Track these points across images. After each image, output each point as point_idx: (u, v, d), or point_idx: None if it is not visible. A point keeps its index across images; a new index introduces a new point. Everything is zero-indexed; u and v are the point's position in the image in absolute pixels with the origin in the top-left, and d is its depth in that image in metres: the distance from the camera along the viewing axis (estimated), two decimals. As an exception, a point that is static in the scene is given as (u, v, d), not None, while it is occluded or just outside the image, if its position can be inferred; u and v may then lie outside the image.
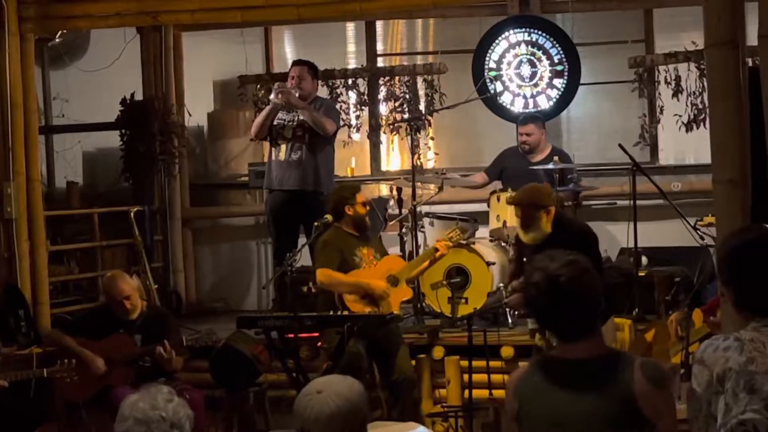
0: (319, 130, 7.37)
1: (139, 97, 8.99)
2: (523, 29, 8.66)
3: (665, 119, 8.64)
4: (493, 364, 6.08)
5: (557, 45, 8.62)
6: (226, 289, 9.36)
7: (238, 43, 9.25)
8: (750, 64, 4.73)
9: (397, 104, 9.00)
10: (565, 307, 2.85)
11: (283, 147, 7.49)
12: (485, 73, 8.66)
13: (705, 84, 8.00)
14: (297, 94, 7.41)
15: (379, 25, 9.35)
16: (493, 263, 6.98)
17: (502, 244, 7.37)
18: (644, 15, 8.97)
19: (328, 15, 8.14)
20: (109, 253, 8.55)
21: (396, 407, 6.19)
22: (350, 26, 9.44)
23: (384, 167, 9.36)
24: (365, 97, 9.06)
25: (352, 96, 9.07)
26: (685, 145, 8.83)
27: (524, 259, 5.81)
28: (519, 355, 6.49)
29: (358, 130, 9.12)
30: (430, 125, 8.94)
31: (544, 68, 8.65)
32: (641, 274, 7.08)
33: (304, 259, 6.72)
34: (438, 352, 6.65)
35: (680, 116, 8.49)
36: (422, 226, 7.33)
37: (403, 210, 7.53)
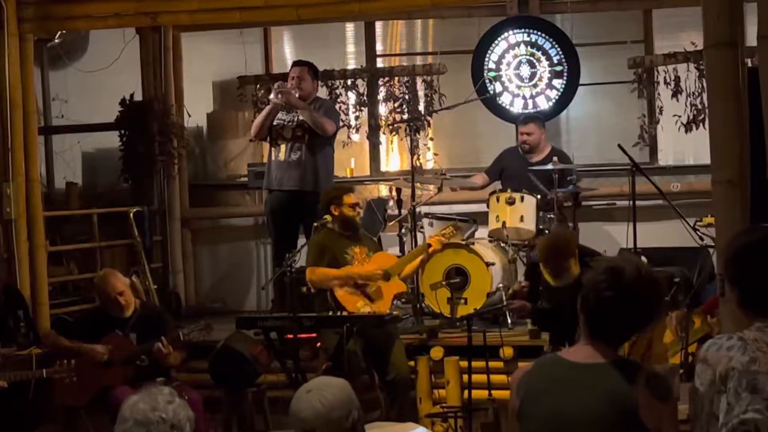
0: (318, 130, 7.37)
1: (138, 97, 8.99)
2: (523, 30, 8.67)
3: (664, 120, 8.64)
4: (492, 364, 6.08)
5: (556, 45, 8.62)
6: (225, 289, 9.35)
7: (238, 44, 9.25)
8: (749, 64, 4.72)
9: (396, 105, 9.00)
10: (625, 304, 2.85)
11: (283, 147, 7.50)
12: (484, 74, 8.66)
13: (704, 84, 8.00)
14: (297, 95, 7.41)
15: (378, 25, 9.35)
16: (493, 264, 6.98)
17: (502, 244, 7.38)
18: (643, 15, 8.97)
19: (328, 15, 8.14)
20: (109, 254, 8.54)
21: (393, 407, 6.19)
22: (349, 27, 9.44)
23: (383, 168, 9.36)
24: (364, 97, 9.06)
25: (352, 96, 9.07)
26: (685, 145, 8.83)
27: (539, 289, 5.82)
28: (518, 355, 6.49)
29: (357, 130, 9.12)
30: (429, 126, 8.94)
31: (543, 69, 8.65)
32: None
33: (303, 259, 6.71)
34: (437, 352, 6.65)
35: (679, 117, 8.49)
36: (421, 227, 7.33)
37: (402, 210, 7.53)
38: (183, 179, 9.24)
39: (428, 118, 8.81)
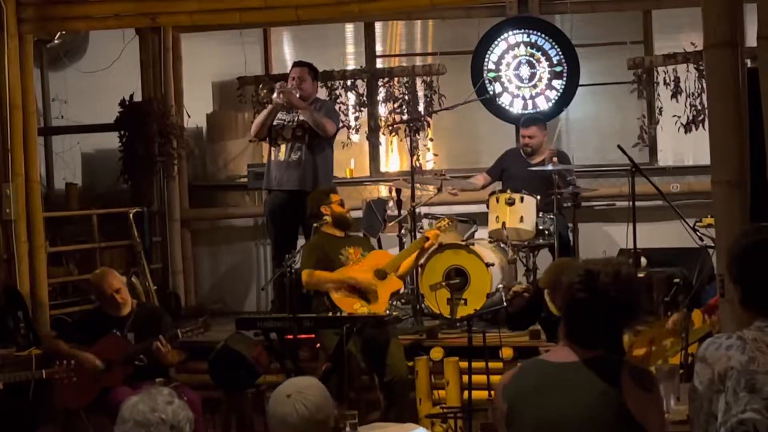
0: (319, 130, 7.38)
1: (138, 98, 8.99)
2: (522, 30, 8.67)
3: (664, 120, 8.64)
4: (492, 365, 6.07)
5: (556, 46, 8.62)
6: (225, 290, 9.35)
7: (237, 45, 9.25)
8: (749, 64, 4.72)
9: (396, 105, 9.00)
10: (599, 306, 2.86)
11: (283, 147, 7.50)
12: (484, 75, 8.66)
13: (704, 85, 8.00)
14: (297, 95, 7.42)
15: (378, 26, 9.35)
16: (492, 264, 6.98)
17: (501, 245, 7.38)
18: (643, 16, 8.97)
19: (327, 16, 8.14)
20: (108, 255, 8.54)
21: (392, 409, 6.19)
22: (349, 27, 9.44)
23: (383, 168, 9.36)
24: (364, 98, 9.06)
25: (351, 97, 9.07)
26: (684, 146, 8.83)
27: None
28: (518, 356, 6.49)
29: (357, 131, 9.12)
30: (429, 126, 8.94)
31: (543, 69, 8.65)
32: (640, 275, 7.08)
33: (302, 260, 6.73)
34: (437, 353, 6.64)
35: (679, 117, 8.49)
36: (421, 227, 7.33)
37: (402, 211, 7.53)
38: (183, 180, 9.24)
39: (428, 118, 8.81)
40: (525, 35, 8.67)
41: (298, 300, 6.21)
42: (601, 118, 9.16)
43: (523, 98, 8.70)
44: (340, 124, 8.15)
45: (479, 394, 6.00)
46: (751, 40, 4.52)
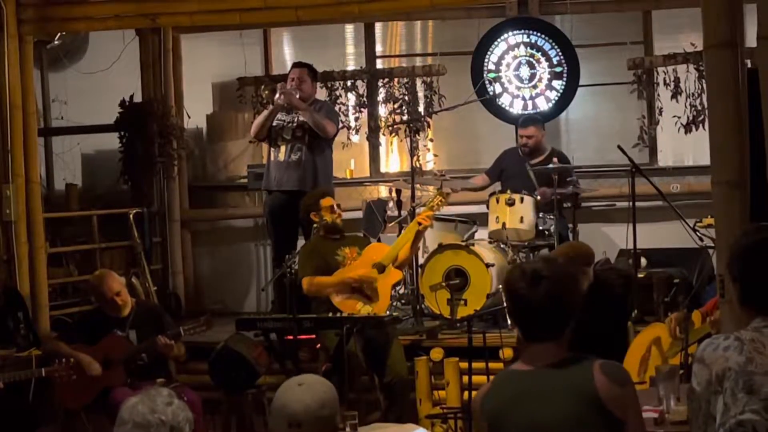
0: (319, 131, 7.38)
1: (138, 99, 8.99)
2: (522, 31, 8.67)
3: (664, 121, 8.64)
4: (492, 365, 6.07)
5: (556, 47, 8.62)
6: (225, 290, 9.35)
7: (237, 45, 9.25)
8: (749, 65, 4.72)
9: (396, 106, 9.00)
10: (543, 304, 2.88)
11: (283, 148, 7.50)
12: (484, 75, 8.66)
13: (704, 85, 8.00)
14: (298, 96, 7.42)
15: (378, 26, 9.35)
16: (492, 265, 6.98)
17: (501, 245, 7.38)
18: (643, 16, 8.97)
19: (327, 17, 8.14)
20: (108, 255, 8.54)
21: (392, 409, 6.19)
22: (349, 28, 9.44)
23: (383, 169, 9.36)
24: (364, 98, 9.06)
25: (351, 98, 9.07)
26: (684, 146, 8.83)
27: None
28: (518, 356, 6.47)
29: (357, 131, 9.12)
30: (429, 127, 8.94)
31: (543, 70, 8.65)
32: (640, 275, 7.08)
33: (302, 261, 6.73)
34: (437, 353, 6.64)
35: (679, 118, 8.49)
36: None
37: (402, 212, 7.53)
38: (183, 180, 9.24)
39: (428, 119, 8.81)
40: (525, 36, 8.67)
41: (298, 301, 6.21)
42: (601, 119, 9.16)
43: (523, 99, 8.70)
44: (340, 125, 8.15)
45: (475, 394, 5.99)
46: (751, 40, 4.52)
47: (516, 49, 8.68)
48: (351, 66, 9.27)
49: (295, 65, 7.76)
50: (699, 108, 8.37)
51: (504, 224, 7.28)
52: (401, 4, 7.57)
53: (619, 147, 7.07)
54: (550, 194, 7.35)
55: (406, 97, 8.97)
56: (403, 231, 6.79)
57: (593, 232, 8.35)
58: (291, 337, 6.17)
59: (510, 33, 8.68)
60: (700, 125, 8.34)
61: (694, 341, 4.95)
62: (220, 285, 9.38)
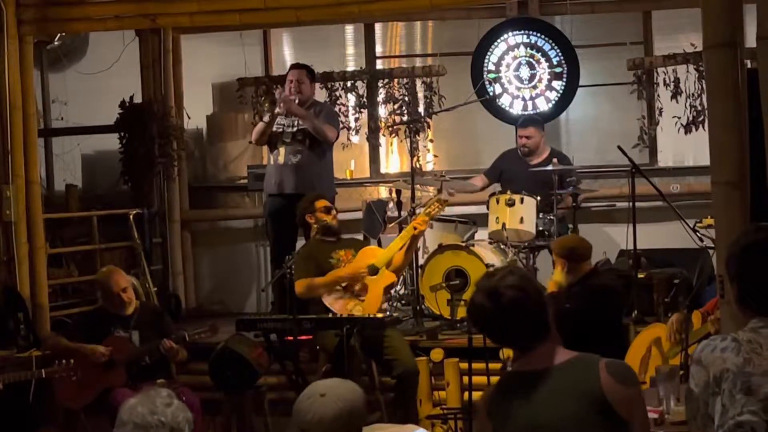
0: (320, 137, 7.39)
1: (138, 99, 8.99)
2: (522, 31, 8.67)
3: (664, 121, 8.64)
4: (492, 366, 6.07)
5: (556, 47, 8.62)
6: (225, 291, 9.35)
7: (237, 46, 9.24)
8: (749, 65, 4.72)
9: (396, 106, 9.00)
10: (511, 318, 2.87)
11: (282, 150, 7.49)
12: (484, 76, 8.66)
13: (704, 86, 8.00)
14: (296, 100, 7.41)
15: (377, 27, 9.35)
16: (492, 265, 6.97)
17: (501, 246, 7.38)
18: (643, 17, 8.97)
19: (327, 17, 8.14)
20: (108, 256, 8.54)
21: (399, 406, 6.18)
22: (349, 29, 9.44)
23: (383, 169, 9.36)
24: (364, 99, 9.06)
25: (351, 98, 9.07)
26: (684, 146, 8.83)
27: None
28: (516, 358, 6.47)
29: (357, 132, 9.12)
30: (429, 127, 8.94)
31: (542, 70, 8.65)
32: (640, 276, 7.08)
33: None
34: (437, 354, 6.64)
35: (679, 118, 8.49)
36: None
37: (402, 212, 7.53)
38: (183, 181, 9.24)
39: (428, 119, 8.80)
40: (525, 36, 8.67)
41: (297, 301, 6.21)
42: (601, 119, 9.16)
43: (523, 99, 8.70)
44: (340, 126, 8.14)
45: (480, 396, 5.99)
46: (751, 40, 4.52)
47: (516, 49, 8.68)
48: (351, 67, 9.27)
49: (294, 66, 7.75)
50: (699, 108, 8.37)
51: (504, 225, 7.28)
52: (401, 4, 7.57)
53: (619, 147, 7.07)
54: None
55: (406, 98, 8.97)
56: (399, 234, 6.77)
57: (593, 232, 8.33)
58: (291, 338, 6.18)
59: (510, 33, 8.68)
60: (700, 125, 8.33)
61: (694, 341, 4.95)
62: (220, 285, 9.38)
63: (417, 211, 7.24)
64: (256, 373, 6.28)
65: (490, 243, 7.46)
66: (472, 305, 2.94)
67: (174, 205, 9.15)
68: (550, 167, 7.48)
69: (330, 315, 6.16)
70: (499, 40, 8.68)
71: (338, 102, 8.94)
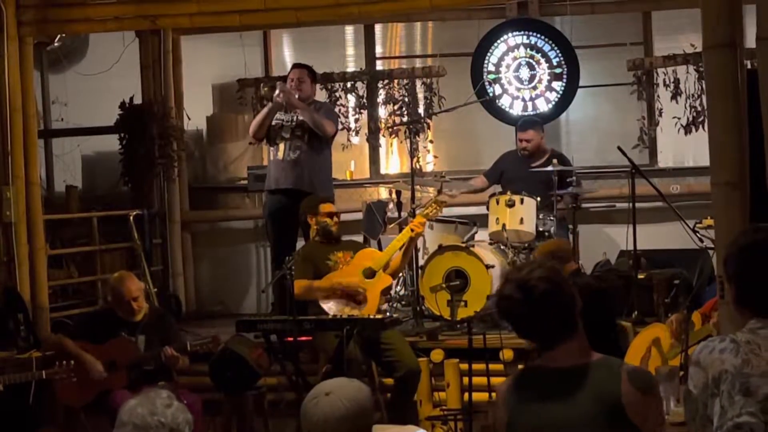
0: (319, 131, 7.36)
1: (138, 100, 8.99)
2: (522, 32, 8.67)
3: (664, 122, 8.65)
4: (492, 367, 6.07)
5: (556, 48, 8.62)
6: (225, 292, 9.35)
7: (237, 47, 9.25)
8: (748, 66, 4.73)
9: (396, 107, 9.00)
10: (542, 312, 2.85)
11: (282, 146, 7.47)
12: (484, 76, 8.66)
13: (704, 86, 8.00)
14: (297, 96, 7.42)
15: (377, 28, 9.35)
16: (492, 266, 6.97)
17: (502, 247, 7.37)
18: (643, 18, 8.97)
19: (327, 18, 8.16)
20: (109, 257, 8.55)
21: (399, 406, 6.18)
22: (349, 29, 9.44)
23: (383, 170, 9.36)
24: (364, 100, 9.06)
25: (351, 99, 9.07)
26: (684, 147, 8.83)
27: None
28: (519, 357, 6.48)
29: (357, 133, 9.12)
30: (429, 128, 8.94)
31: (542, 71, 8.65)
32: (640, 276, 7.08)
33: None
34: (437, 354, 6.64)
35: (679, 119, 8.49)
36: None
37: (402, 213, 7.53)
38: (183, 182, 9.24)
39: (428, 120, 8.81)
40: (525, 37, 8.67)
41: (298, 302, 6.21)
42: (601, 120, 9.16)
43: (523, 100, 8.70)
44: (340, 126, 8.14)
45: (480, 396, 6.00)
46: (751, 41, 4.53)
47: (516, 50, 8.68)
48: (351, 67, 9.27)
49: (295, 66, 7.74)
50: (699, 109, 8.37)
51: (504, 225, 7.27)
52: (401, 5, 7.58)
53: (619, 148, 7.07)
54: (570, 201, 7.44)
55: (406, 99, 8.97)
56: (420, 253, 6.80)
57: (593, 233, 8.36)
58: (291, 339, 6.17)
59: (510, 34, 8.68)
60: (700, 126, 8.34)
61: (694, 342, 4.95)
62: (221, 286, 9.39)
63: (417, 212, 7.24)
64: (256, 374, 6.27)
65: (491, 244, 7.46)
66: (502, 297, 2.91)
67: (174, 206, 9.15)
68: (550, 168, 7.48)
69: (331, 315, 6.15)
70: (499, 41, 8.69)
71: (338, 103, 8.94)
